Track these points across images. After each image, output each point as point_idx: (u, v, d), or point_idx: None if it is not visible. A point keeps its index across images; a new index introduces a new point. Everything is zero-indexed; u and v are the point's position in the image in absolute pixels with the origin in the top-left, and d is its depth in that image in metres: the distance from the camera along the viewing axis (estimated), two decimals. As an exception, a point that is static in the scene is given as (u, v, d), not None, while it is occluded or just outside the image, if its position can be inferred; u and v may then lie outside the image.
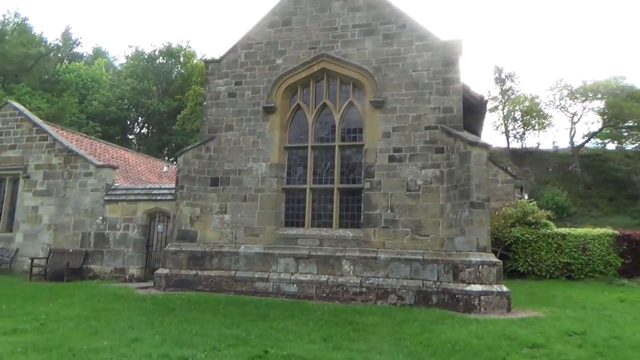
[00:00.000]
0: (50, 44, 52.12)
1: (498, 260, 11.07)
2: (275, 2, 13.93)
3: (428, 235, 11.64)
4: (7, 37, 47.66)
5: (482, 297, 10.35)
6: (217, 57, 14.28)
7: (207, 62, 14.38)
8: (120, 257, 15.32)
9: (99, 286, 13.26)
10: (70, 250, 15.56)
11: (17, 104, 18.77)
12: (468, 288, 10.49)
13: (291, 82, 13.33)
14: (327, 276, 11.95)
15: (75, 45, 54.40)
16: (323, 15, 13.28)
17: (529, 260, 17.92)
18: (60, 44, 53.08)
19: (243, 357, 6.26)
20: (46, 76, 48.00)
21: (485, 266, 10.68)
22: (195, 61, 45.84)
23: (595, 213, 40.20)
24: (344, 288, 11.70)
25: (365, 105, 12.72)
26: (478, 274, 10.61)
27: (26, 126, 17.63)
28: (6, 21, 50.36)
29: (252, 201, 13.02)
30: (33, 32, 50.84)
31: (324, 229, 12.59)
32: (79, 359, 6.02)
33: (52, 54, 51.29)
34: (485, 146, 11.43)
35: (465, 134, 11.55)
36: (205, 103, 14.18)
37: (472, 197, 10.95)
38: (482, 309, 10.26)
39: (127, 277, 14.96)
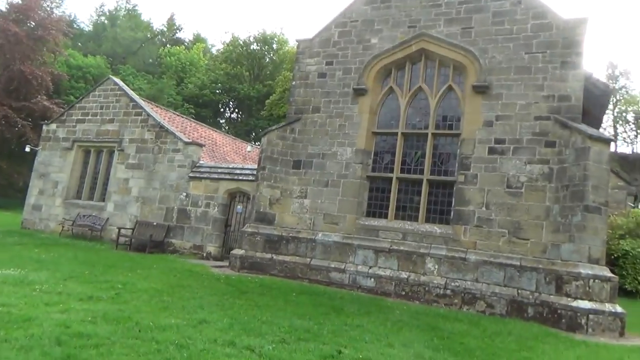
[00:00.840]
0: (155, 29, 55.31)
1: (613, 275, 9.50)
2: (374, -22, 13.06)
3: (528, 239, 10.28)
4: (118, 22, 51.24)
5: (590, 316, 8.92)
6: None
7: (299, 41, 13.85)
8: (200, 234, 15.39)
9: (176, 261, 13.35)
10: (155, 223, 15.91)
11: (117, 80, 19.59)
12: (574, 304, 9.08)
13: (385, 62, 12.43)
14: (408, 273, 11.02)
15: (177, 31, 57.30)
16: (426, -10, 12.20)
17: (639, 277, 15.72)
18: (165, 29, 56.07)
19: (314, 355, 5.60)
20: (150, 60, 50.93)
21: (597, 281, 9.19)
22: (287, 48, 46.12)
23: None
24: (426, 288, 10.71)
25: (465, 91, 11.51)
26: (587, 288, 9.15)
27: (124, 101, 18.30)
28: (119, 7, 54.14)
29: (334, 187, 12.36)
30: (142, 18, 54.19)
31: (409, 223, 11.63)
32: (144, 336, 5.69)
33: (156, 39, 54.39)
34: (608, 142, 9.83)
35: (584, 127, 9.98)
36: (293, 83, 13.70)
37: (588, 199, 9.44)
38: (590, 330, 8.85)
39: (205, 254, 14.99)
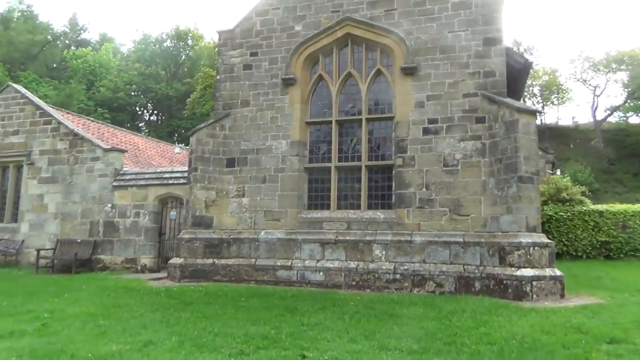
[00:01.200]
0: (56, 30, 51.25)
1: (550, 240, 9.91)
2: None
3: (468, 215, 10.47)
4: (12, 25, 46.79)
5: (534, 283, 9.21)
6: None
7: (219, 32, 13.16)
8: (131, 246, 14.35)
9: (108, 278, 12.33)
10: (79, 240, 14.64)
11: (19, 87, 17.74)
12: (518, 273, 9.34)
13: (312, 50, 12.12)
14: (356, 262, 10.87)
15: (82, 32, 53.54)
16: (346, -27, 11.99)
17: (563, 239, 16.87)
18: (68, 30, 52.16)
19: (277, 364, 5.22)
20: (54, 64, 47.15)
21: (536, 248, 9.51)
22: (203, 43, 44.56)
23: (620, 189, 38.82)
24: (376, 275, 10.62)
25: (395, 73, 11.47)
26: (529, 256, 9.45)
27: (29, 110, 16.64)
28: (11, 8, 49.42)
29: (272, 182, 11.93)
30: (39, 20, 49.93)
31: (352, 211, 11.47)
32: (82, 370, 5.02)
33: (59, 41, 50.43)
34: (534, 113, 10.18)
35: (510, 101, 10.28)
36: (218, 77, 13.04)
37: (521, 170, 9.73)
38: (535, 296, 9.14)
39: (139, 267, 14.00)
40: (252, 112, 12.38)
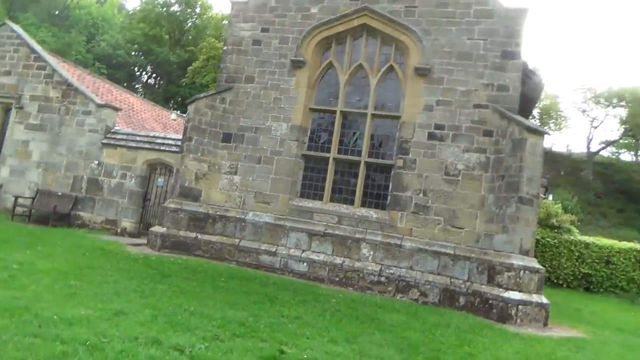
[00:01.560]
0: (62, -23, 49.75)
1: (540, 266, 9.73)
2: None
3: (463, 228, 10.24)
4: (18, -36, 45.31)
5: (520, 307, 9.04)
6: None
7: (232, 3, 12.67)
8: (114, 207, 13.88)
9: (86, 237, 11.88)
10: (59, 193, 14.11)
11: (15, 26, 16.95)
12: (505, 294, 9.15)
13: (325, 35, 11.70)
14: (342, 259, 10.61)
15: (88, -18, 52.03)
16: (373, -39, 11.57)
17: (546, 265, 16.75)
18: (74, -21, 50.68)
19: (253, 356, 4.93)
20: (56, 11, 45.80)
21: (527, 272, 9.33)
22: (211, 13, 43.70)
23: (603, 223, 39.14)
24: (360, 275, 10.37)
25: (407, 72, 11.14)
26: (518, 279, 9.27)
27: (23, 52, 15.96)
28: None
29: (267, 164, 11.57)
30: (46, -38, 48.40)
31: (344, 206, 11.18)
32: (45, 333, 4.67)
33: (64, -12, 49.03)
34: (543, 134, 9.95)
35: (521, 118, 10.03)
36: (225, 48, 12.58)
37: (522, 191, 9.51)
38: (519, 320, 8.98)
39: (119, 230, 13.56)
40: (256, 90, 11.97)
